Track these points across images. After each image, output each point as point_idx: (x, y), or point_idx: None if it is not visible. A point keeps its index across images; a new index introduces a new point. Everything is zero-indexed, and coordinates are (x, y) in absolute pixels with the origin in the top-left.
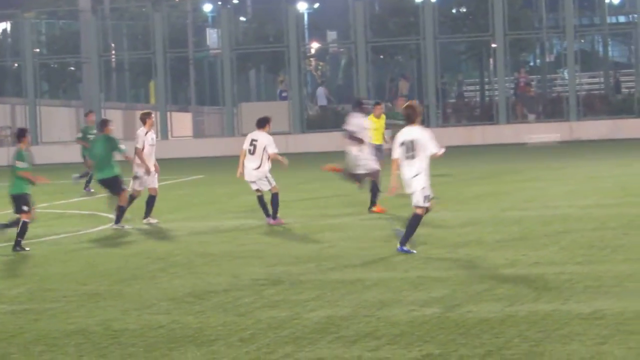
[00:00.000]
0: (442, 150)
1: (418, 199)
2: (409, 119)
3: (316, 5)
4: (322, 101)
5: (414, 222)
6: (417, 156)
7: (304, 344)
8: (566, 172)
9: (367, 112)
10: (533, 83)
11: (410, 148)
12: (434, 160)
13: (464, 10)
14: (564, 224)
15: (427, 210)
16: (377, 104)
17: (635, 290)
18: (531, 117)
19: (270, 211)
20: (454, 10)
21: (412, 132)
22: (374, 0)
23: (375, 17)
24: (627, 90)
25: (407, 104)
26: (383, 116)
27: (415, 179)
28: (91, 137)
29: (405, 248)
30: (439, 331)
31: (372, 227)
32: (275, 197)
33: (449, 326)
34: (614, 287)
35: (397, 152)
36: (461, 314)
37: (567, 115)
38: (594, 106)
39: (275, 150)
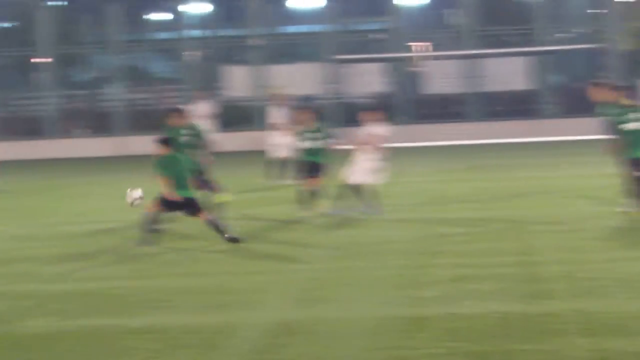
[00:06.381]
0: None
1: None
2: None
3: None
4: None
5: None
6: None
7: None
8: (119, 186)
9: None
10: (79, 98)
11: None
12: None
13: (9, 25)
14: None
15: None
16: None
17: (184, 304)
18: (80, 132)
19: None
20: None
21: None
22: None
23: None
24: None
25: None
26: None
27: None
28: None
29: None
30: None
31: None
32: None
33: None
34: (164, 302)
35: None
36: (13, 329)
37: (117, 130)
38: (142, 121)
39: None
